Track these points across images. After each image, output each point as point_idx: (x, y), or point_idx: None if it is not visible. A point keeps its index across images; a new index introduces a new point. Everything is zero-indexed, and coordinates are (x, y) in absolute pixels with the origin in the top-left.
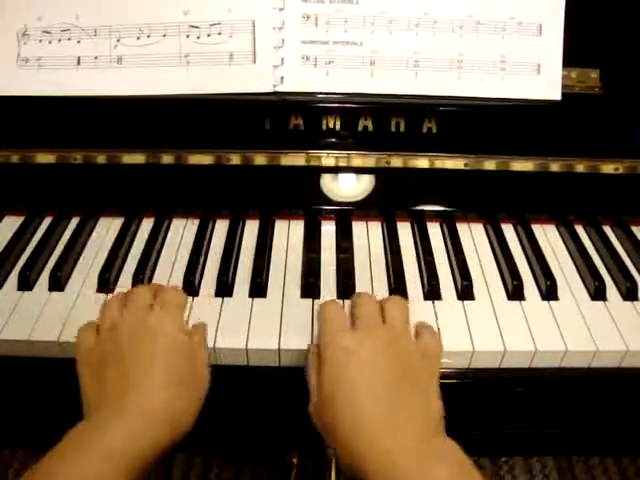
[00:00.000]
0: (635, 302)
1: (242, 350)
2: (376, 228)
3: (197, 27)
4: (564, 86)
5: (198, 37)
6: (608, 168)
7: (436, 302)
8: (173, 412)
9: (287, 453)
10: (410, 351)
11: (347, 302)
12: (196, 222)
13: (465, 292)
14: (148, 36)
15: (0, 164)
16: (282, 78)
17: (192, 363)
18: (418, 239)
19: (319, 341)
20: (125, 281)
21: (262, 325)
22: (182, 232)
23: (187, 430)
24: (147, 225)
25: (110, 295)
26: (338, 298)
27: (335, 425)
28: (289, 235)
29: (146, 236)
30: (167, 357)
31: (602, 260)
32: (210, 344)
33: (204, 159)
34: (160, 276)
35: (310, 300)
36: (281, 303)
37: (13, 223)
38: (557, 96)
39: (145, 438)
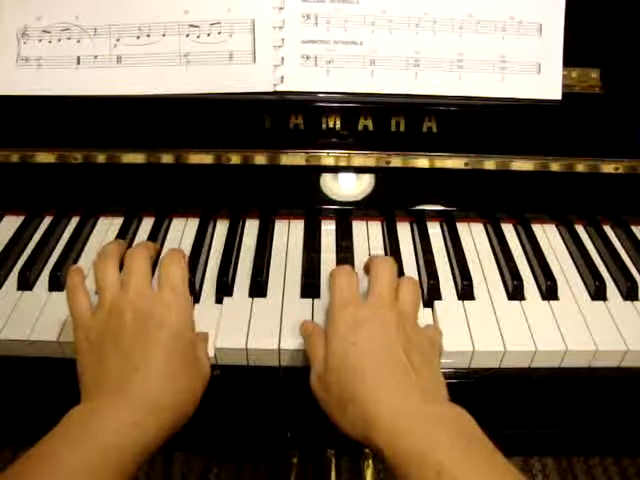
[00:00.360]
0: (635, 302)
1: (242, 350)
2: (376, 228)
3: (197, 26)
4: (564, 86)
5: (198, 36)
6: (608, 168)
7: (436, 302)
8: (175, 400)
9: (287, 453)
10: (419, 333)
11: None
12: (196, 222)
13: (465, 292)
14: (148, 35)
15: (0, 164)
16: (282, 77)
17: (194, 352)
18: (418, 239)
19: (329, 308)
20: None
21: (262, 325)
22: (182, 232)
23: (188, 418)
24: (147, 225)
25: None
26: None
27: (341, 389)
28: (289, 235)
29: (146, 236)
30: (171, 345)
31: (602, 260)
32: (210, 344)
33: (204, 159)
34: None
35: (310, 300)
36: (281, 303)
37: (13, 223)
38: (557, 96)
39: (148, 425)
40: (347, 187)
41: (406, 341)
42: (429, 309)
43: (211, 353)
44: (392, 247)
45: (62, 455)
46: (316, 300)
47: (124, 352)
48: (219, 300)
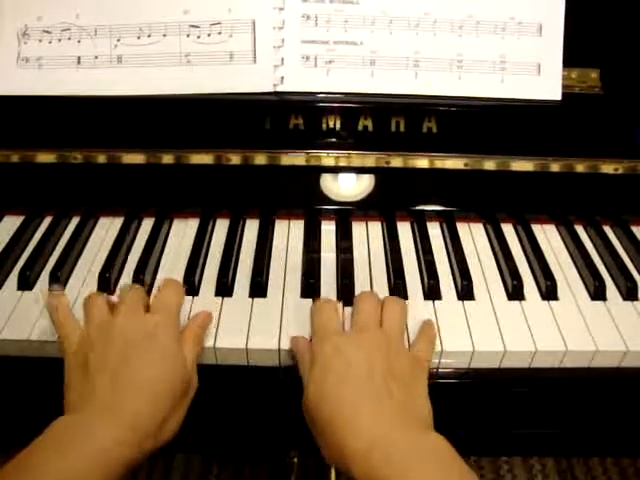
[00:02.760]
0: (635, 302)
1: (242, 350)
2: (376, 228)
3: (197, 27)
4: (564, 86)
5: (198, 37)
6: (608, 168)
7: (436, 302)
8: (159, 423)
9: (287, 453)
10: (400, 354)
11: (348, 310)
12: (196, 222)
13: (465, 292)
14: (148, 36)
15: (0, 164)
16: (282, 78)
17: (182, 373)
18: (418, 239)
19: (312, 337)
20: (125, 281)
21: (262, 325)
22: (182, 232)
23: (173, 435)
24: (147, 225)
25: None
26: (338, 298)
27: (319, 417)
28: (289, 235)
29: (146, 236)
30: (158, 368)
31: (602, 260)
32: (210, 344)
33: (204, 159)
34: (160, 276)
35: (310, 300)
36: (281, 303)
37: (13, 223)
38: (557, 96)
39: (130, 445)
40: (347, 187)
41: (387, 369)
42: (429, 309)
43: (210, 353)
44: (392, 247)
45: (47, 466)
46: (316, 300)
47: (111, 371)
48: (219, 300)
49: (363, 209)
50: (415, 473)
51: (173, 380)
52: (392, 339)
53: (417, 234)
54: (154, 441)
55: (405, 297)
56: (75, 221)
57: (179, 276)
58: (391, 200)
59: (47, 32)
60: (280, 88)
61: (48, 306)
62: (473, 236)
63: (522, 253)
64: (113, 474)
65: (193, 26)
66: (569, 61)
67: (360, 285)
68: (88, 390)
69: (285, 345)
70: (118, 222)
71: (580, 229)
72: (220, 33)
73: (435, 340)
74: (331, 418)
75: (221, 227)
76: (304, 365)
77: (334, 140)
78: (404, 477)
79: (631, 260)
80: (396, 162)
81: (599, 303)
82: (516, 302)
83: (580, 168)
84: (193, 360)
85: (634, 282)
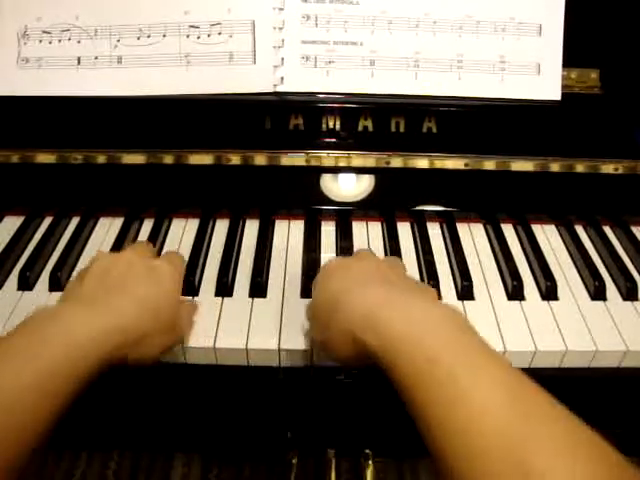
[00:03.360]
0: (635, 302)
1: (242, 350)
2: (376, 228)
3: (197, 27)
4: (564, 86)
5: (198, 37)
6: (608, 168)
7: None
8: (139, 335)
9: (287, 453)
10: (410, 277)
11: None
12: (196, 222)
13: (465, 292)
14: (148, 36)
15: (0, 164)
16: (282, 78)
17: (174, 309)
18: (418, 239)
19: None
20: None
21: (262, 325)
22: (182, 232)
23: (148, 358)
24: (147, 225)
25: None
26: None
27: (328, 302)
28: (289, 235)
29: (146, 236)
30: (148, 287)
31: (602, 260)
32: (210, 344)
33: (204, 159)
34: None
35: (310, 300)
36: (281, 303)
37: (13, 223)
38: (557, 96)
39: (105, 341)
40: (347, 187)
41: (390, 271)
42: None
43: (210, 353)
44: (392, 247)
45: (23, 351)
46: None
47: (108, 277)
48: (219, 300)
49: (363, 209)
50: (428, 330)
51: (159, 301)
52: (396, 266)
53: (417, 234)
54: (129, 351)
55: None
56: (75, 221)
57: None
58: (391, 200)
59: (47, 33)
60: (280, 88)
61: None
62: (473, 236)
63: (522, 253)
64: (83, 368)
65: (193, 26)
66: (569, 61)
67: None
68: (78, 292)
69: (285, 345)
70: (118, 222)
71: (580, 229)
72: (220, 33)
73: None
74: (340, 298)
75: (221, 227)
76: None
77: (334, 140)
78: (418, 333)
79: (631, 260)
80: (396, 162)
81: (599, 303)
82: (516, 302)
83: (580, 168)
84: (185, 317)
85: (634, 282)
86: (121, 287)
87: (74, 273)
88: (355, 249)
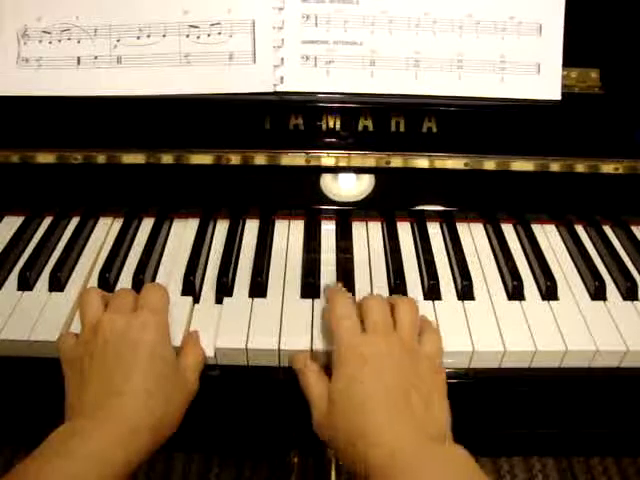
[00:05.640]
0: (635, 302)
1: (242, 350)
2: (376, 228)
3: (197, 27)
4: (564, 86)
5: (198, 37)
6: (608, 168)
7: (436, 302)
8: (155, 419)
9: (287, 453)
10: (420, 362)
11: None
12: (196, 222)
13: (465, 292)
14: (148, 36)
15: (0, 164)
16: (282, 78)
17: (174, 369)
18: (418, 239)
19: (334, 343)
20: (125, 281)
21: (262, 325)
22: (182, 232)
23: (170, 434)
24: (147, 225)
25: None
26: None
27: (349, 426)
28: (289, 235)
29: (146, 236)
30: (148, 365)
31: (602, 260)
32: (210, 344)
33: (204, 159)
34: (160, 276)
35: (310, 300)
36: (281, 303)
37: (13, 223)
38: (557, 96)
39: (127, 445)
40: (347, 187)
41: (409, 374)
42: (429, 309)
43: (210, 353)
44: (392, 247)
45: (47, 473)
46: (316, 300)
47: (103, 373)
48: (219, 300)
49: (363, 209)
50: None
51: (165, 375)
52: (409, 343)
53: (417, 234)
54: (150, 440)
55: None
56: (75, 221)
57: (179, 276)
58: (391, 200)
59: (47, 32)
60: (280, 88)
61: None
62: (473, 236)
63: (522, 253)
64: (111, 473)
65: (193, 26)
66: (569, 61)
67: (360, 285)
68: (82, 393)
69: (285, 345)
70: (118, 222)
71: (580, 229)
72: (220, 33)
73: (440, 338)
74: (354, 432)
75: (221, 227)
76: (310, 379)
77: (334, 140)
78: None
79: (631, 260)
80: (396, 162)
81: (599, 303)
82: (516, 302)
83: (580, 168)
84: (191, 365)
85: (634, 282)
86: (119, 380)
87: (74, 273)
88: (355, 249)
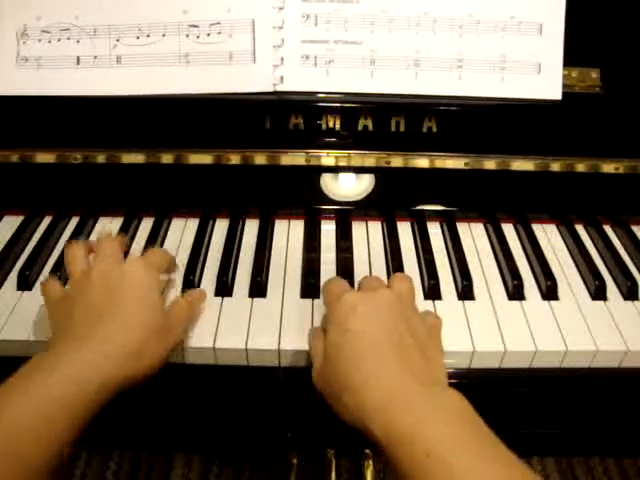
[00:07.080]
0: (636, 302)
1: (242, 350)
2: (376, 228)
3: (197, 26)
4: (564, 86)
5: (198, 37)
6: (608, 168)
7: (436, 302)
8: (133, 351)
9: (287, 453)
10: (415, 316)
11: None
12: (196, 222)
13: (465, 292)
14: (147, 36)
15: (0, 164)
16: (282, 77)
17: (161, 315)
18: (418, 239)
19: (325, 304)
20: None
21: (262, 325)
22: (182, 232)
23: (149, 374)
24: (147, 225)
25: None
26: None
27: (338, 379)
28: (289, 235)
29: (146, 236)
30: (135, 303)
31: (602, 260)
32: (210, 344)
33: (204, 159)
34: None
35: (310, 300)
36: (281, 303)
37: (13, 223)
38: (557, 96)
39: (101, 369)
40: (347, 187)
41: (404, 329)
42: (429, 309)
43: (210, 352)
44: (392, 247)
45: (30, 388)
46: (316, 300)
47: (90, 306)
48: (219, 300)
49: (363, 209)
50: (428, 424)
51: (152, 315)
52: (404, 299)
53: (417, 234)
54: (126, 371)
55: None
56: (75, 221)
57: (179, 276)
58: (391, 200)
59: (46, 32)
60: (280, 88)
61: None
62: (473, 236)
63: (522, 253)
64: (92, 399)
65: (192, 26)
66: (569, 61)
67: None
68: (67, 327)
69: (285, 345)
70: (118, 222)
71: (580, 228)
72: (220, 33)
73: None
74: (351, 380)
75: (221, 227)
76: (316, 340)
77: (334, 140)
78: (418, 428)
79: (632, 260)
80: (396, 162)
81: (600, 303)
82: (516, 302)
83: (580, 167)
84: (178, 315)
85: (635, 282)
86: (108, 309)
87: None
88: (355, 249)
